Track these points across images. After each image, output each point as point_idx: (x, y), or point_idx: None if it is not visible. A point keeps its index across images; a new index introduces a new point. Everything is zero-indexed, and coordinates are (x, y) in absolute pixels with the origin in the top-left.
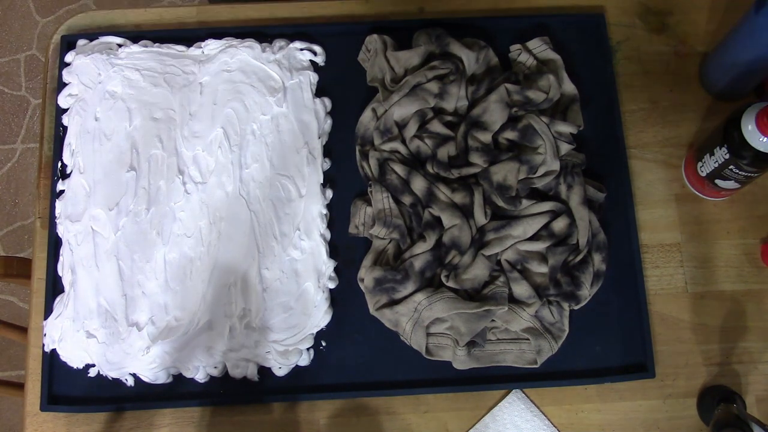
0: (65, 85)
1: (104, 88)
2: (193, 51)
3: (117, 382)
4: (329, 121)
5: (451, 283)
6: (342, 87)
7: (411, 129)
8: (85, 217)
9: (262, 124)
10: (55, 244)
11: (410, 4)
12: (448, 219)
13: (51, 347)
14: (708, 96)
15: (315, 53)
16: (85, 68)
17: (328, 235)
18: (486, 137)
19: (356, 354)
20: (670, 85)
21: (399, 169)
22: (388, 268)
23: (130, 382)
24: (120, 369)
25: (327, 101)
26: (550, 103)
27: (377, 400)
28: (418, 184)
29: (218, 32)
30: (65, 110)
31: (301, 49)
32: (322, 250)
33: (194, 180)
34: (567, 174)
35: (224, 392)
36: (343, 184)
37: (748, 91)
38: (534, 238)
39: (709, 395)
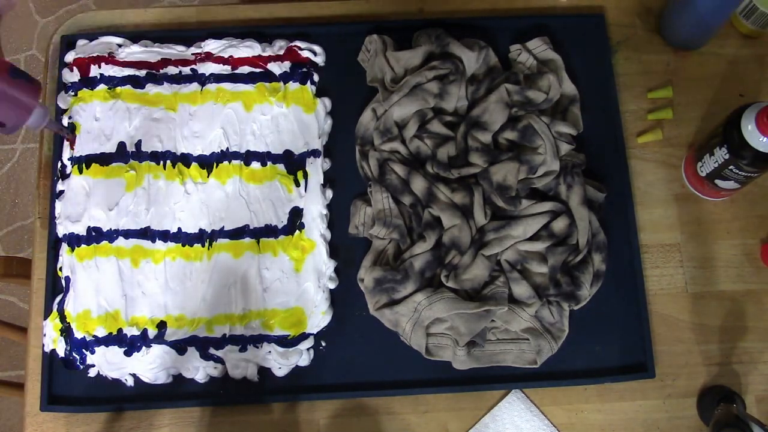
0: (65, 85)
1: (104, 88)
2: (193, 51)
3: (117, 382)
4: (329, 121)
5: (451, 283)
6: (342, 87)
7: (411, 129)
8: (85, 217)
9: (262, 124)
10: (55, 244)
11: (410, 4)
12: (448, 219)
13: (51, 347)
14: (707, 97)
15: (315, 53)
16: (85, 68)
17: (328, 235)
18: (486, 137)
19: (356, 354)
20: (670, 85)
21: (399, 169)
22: (388, 268)
23: (130, 382)
24: (120, 369)
25: (327, 101)
26: (550, 103)
27: (377, 400)
28: (418, 184)
29: (218, 32)
30: (65, 110)
31: (301, 49)
32: (322, 250)
33: (194, 180)
34: (567, 174)
35: (224, 392)
36: (343, 184)
37: (707, 39)
38: (534, 238)
39: (709, 395)
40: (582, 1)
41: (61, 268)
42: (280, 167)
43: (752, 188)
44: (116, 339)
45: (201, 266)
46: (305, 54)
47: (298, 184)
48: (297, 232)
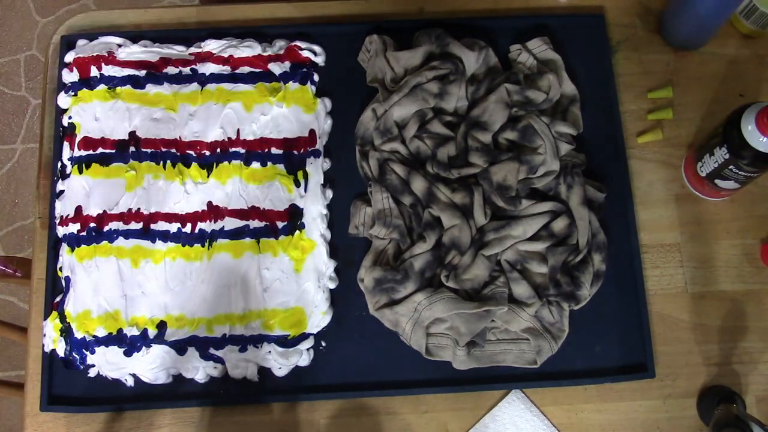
0: (65, 85)
1: (104, 88)
2: (193, 51)
3: (117, 382)
4: (329, 121)
5: (451, 283)
6: (342, 87)
7: (411, 129)
8: (85, 217)
9: (262, 124)
10: (55, 244)
11: (410, 4)
12: (448, 219)
13: (51, 347)
14: (707, 97)
15: (315, 53)
16: (85, 68)
17: (328, 235)
18: (486, 137)
19: (356, 354)
20: (670, 85)
21: (399, 169)
22: (388, 268)
23: (130, 382)
24: (120, 369)
25: (327, 101)
26: (550, 103)
27: (377, 400)
28: (418, 185)
29: (218, 32)
30: (65, 110)
31: (301, 49)
32: (322, 250)
33: (194, 180)
34: (567, 174)
35: (224, 392)
36: (343, 184)
37: (707, 39)
38: (534, 238)
39: (709, 395)
40: (582, 1)
41: (61, 268)
42: (280, 167)
43: (752, 188)
44: (116, 339)
45: (201, 266)
46: (305, 54)
47: (298, 184)
48: (297, 232)
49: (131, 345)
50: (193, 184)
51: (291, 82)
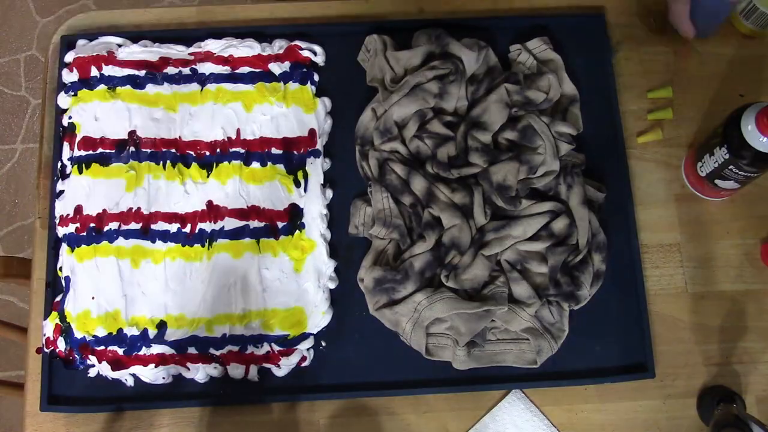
0: (65, 85)
1: (104, 88)
2: (193, 51)
3: (117, 382)
4: (329, 121)
5: (450, 283)
6: (342, 87)
7: (411, 129)
8: (84, 218)
9: (262, 124)
10: (55, 244)
11: (410, 4)
12: (447, 219)
13: (51, 347)
14: (707, 97)
15: (315, 53)
16: (85, 68)
17: (328, 235)
18: (486, 137)
19: (356, 354)
20: (670, 85)
21: (399, 169)
22: (388, 268)
23: (130, 382)
24: (120, 369)
25: (327, 101)
26: (550, 104)
27: (377, 400)
28: (418, 184)
29: (218, 32)
30: (65, 110)
31: (301, 49)
32: (322, 250)
33: (194, 180)
34: (567, 174)
35: (224, 392)
36: (343, 184)
37: (712, 30)
38: (534, 238)
39: (709, 395)
40: (582, 1)
41: (61, 268)
42: (280, 167)
43: (752, 188)
44: (116, 339)
45: (201, 266)
46: (305, 54)
47: (298, 184)
48: (297, 232)
49: (131, 345)
50: (193, 184)
51: (291, 82)
